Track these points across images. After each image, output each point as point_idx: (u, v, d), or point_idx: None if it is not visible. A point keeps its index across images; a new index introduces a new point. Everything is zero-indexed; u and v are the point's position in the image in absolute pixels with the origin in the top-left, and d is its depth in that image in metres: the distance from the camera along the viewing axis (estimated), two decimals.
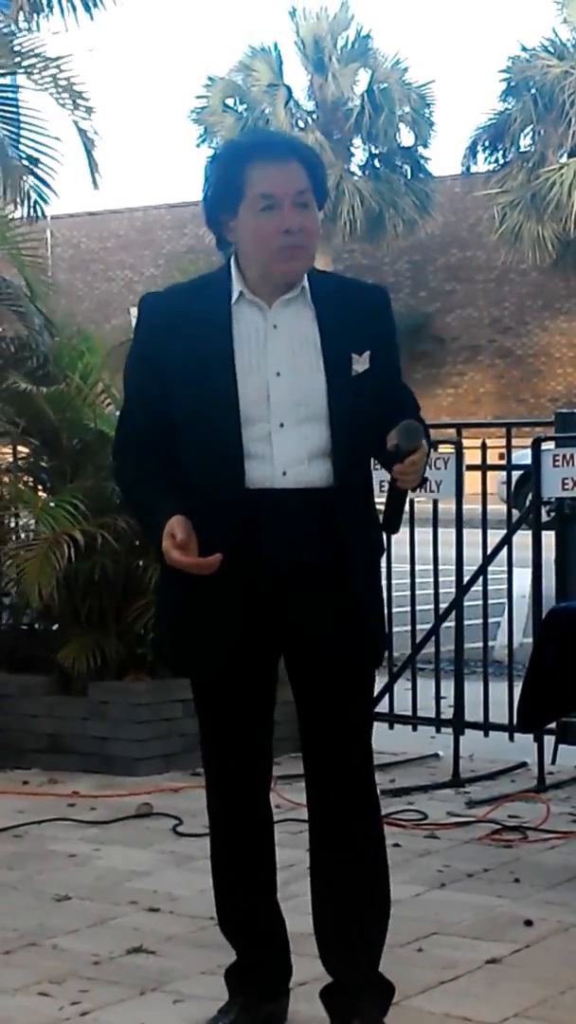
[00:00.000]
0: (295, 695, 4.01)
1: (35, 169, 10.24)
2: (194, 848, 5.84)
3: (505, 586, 7.65)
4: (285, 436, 3.83)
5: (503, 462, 7.66)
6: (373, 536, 3.99)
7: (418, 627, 7.63)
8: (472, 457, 7.38)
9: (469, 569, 7.37)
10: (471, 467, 7.35)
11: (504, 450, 7.58)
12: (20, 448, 8.11)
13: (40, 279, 8.68)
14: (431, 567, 7.53)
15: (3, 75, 10.43)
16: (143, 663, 7.46)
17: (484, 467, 7.50)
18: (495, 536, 7.46)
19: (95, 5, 11.89)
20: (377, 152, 34.23)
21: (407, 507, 4.45)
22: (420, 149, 34.52)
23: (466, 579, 7.37)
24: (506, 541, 7.43)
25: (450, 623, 7.47)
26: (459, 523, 7.27)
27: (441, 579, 7.55)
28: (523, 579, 7.86)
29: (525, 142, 32.44)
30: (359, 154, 34.85)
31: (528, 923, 4.93)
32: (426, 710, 7.70)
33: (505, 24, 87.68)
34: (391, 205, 33.21)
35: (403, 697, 7.60)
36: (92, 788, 6.88)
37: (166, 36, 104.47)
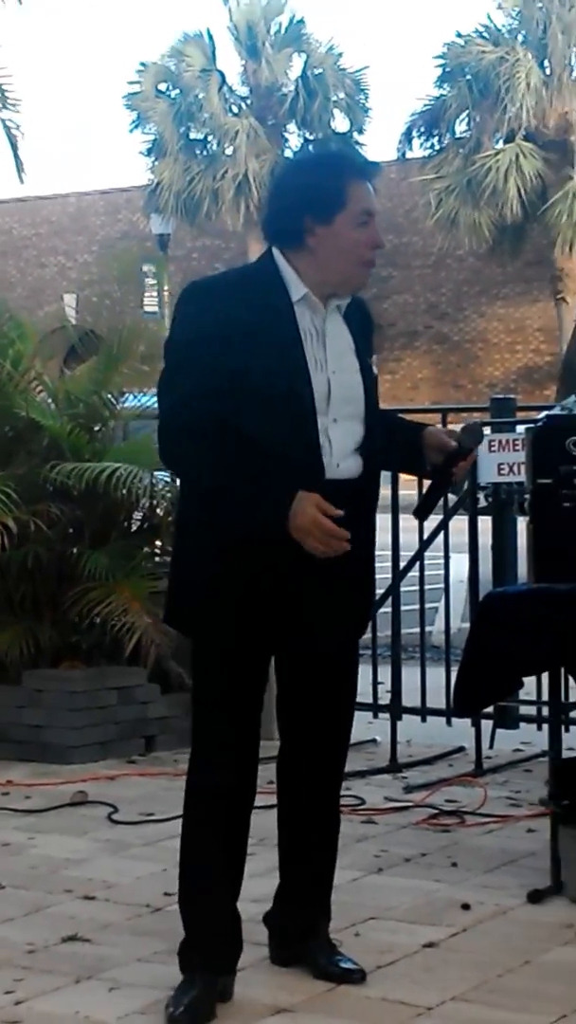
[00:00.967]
0: (290, 678, 4.25)
1: None
2: (130, 835, 5.81)
3: (442, 572, 7.64)
4: (337, 430, 4.09)
5: None
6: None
7: None
8: None
9: (406, 555, 7.36)
10: None
11: None
12: None
13: None
14: None
15: None
16: (78, 651, 7.42)
17: None
18: (432, 522, 7.44)
19: None
20: (312, 138, 34.23)
21: None
22: (355, 135, 34.59)
23: (403, 565, 7.37)
24: (443, 527, 7.43)
25: (387, 609, 7.46)
26: (395, 509, 7.25)
27: (378, 565, 7.50)
28: (460, 564, 7.86)
29: (461, 128, 32.54)
30: (293, 140, 34.90)
31: (465, 907, 4.92)
32: (364, 695, 7.61)
33: (440, 10, 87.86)
34: None
35: None
36: (26, 776, 6.84)
37: (98, 21, 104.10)
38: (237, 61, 35.47)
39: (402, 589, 7.35)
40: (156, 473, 7.39)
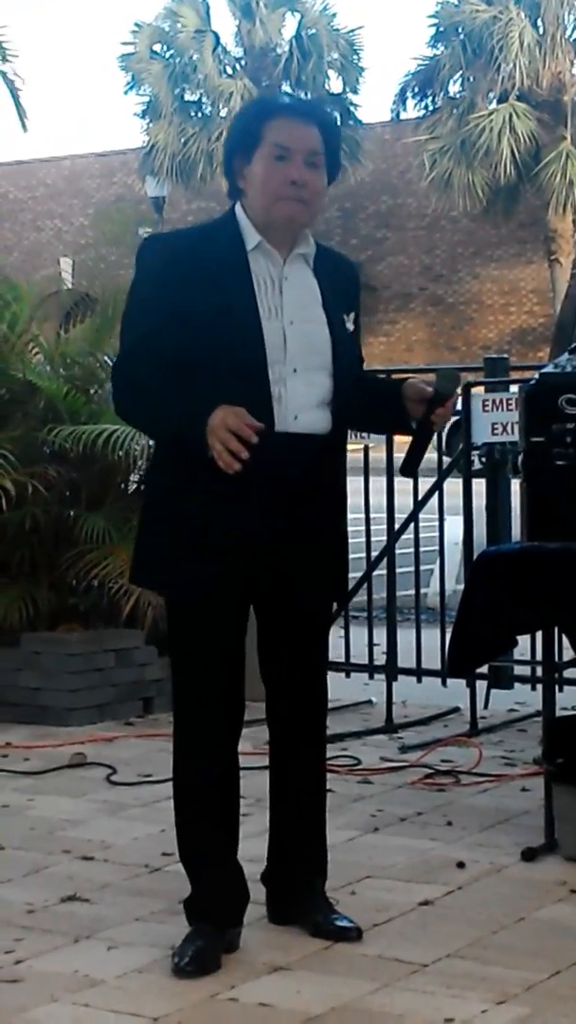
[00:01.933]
0: (264, 633, 4.24)
1: None
2: (128, 797, 5.85)
3: (437, 533, 7.66)
4: (297, 381, 4.04)
5: None
6: (345, 479, 4.34)
7: (350, 575, 7.60)
8: None
9: (400, 517, 7.38)
10: None
11: None
12: None
13: None
14: (362, 515, 7.54)
15: None
16: (75, 613, 7.45)
17: None
18: (426, 483, 7.47)
19: None
20: (306, 99, 34.09)
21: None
22: (349, 95, 34.50)
23: (397, 526, 7.39)
24: (437, 488, 7.45)
25: (382, 571, 7.49)
26: (390, 471, 7.27)
27: (373, 527, 7.56)
28: (455, 526, 7.89)
29: (454, 88, 32.47)
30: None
31: (460, 865, 4.96)
32: (359, 657, 7.73)
33: None
34: None
35: (336, 644, 7.56)
36: (25, 738, 6.87)
37: None
38: (231, 22, 35.45)
39: (397, 551, 7.37)
40: None
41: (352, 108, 34.34)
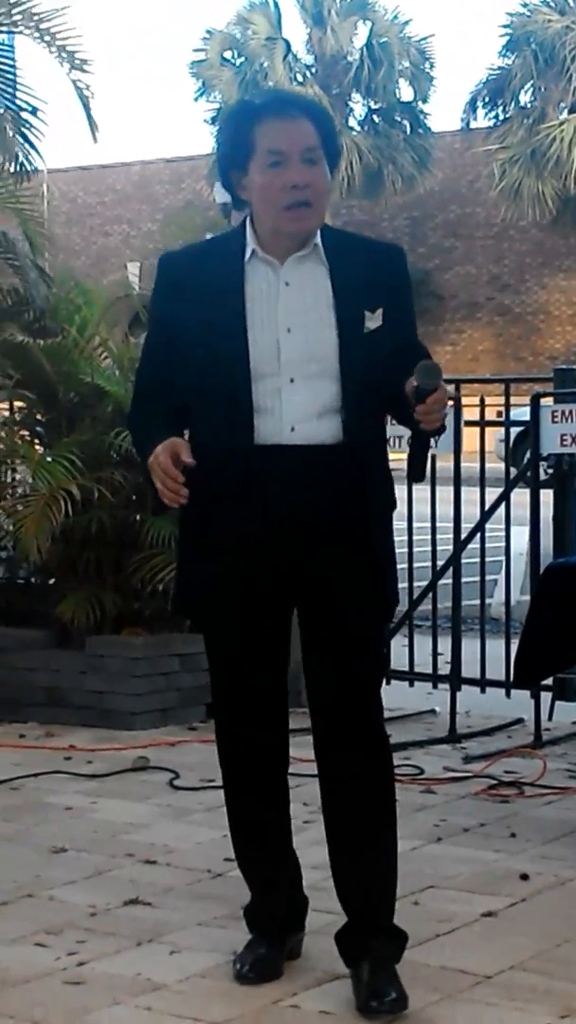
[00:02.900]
0: (305, 649, 4.03)
1: (22, 128, 10.19)
2: (190, 801, 5.86)
3: (503, 543, 7.64)
4: (295, 392, 3.87)
5: (501, 419, 7.64)
6: (385, 491, 4.04)
7: (415, 584, 7.63)
8: (470, 414, 7.36)
9: (467, 526, 7.37)
10: (469, 423, 7.34)
11: (502, 407, 7.57)
12: (16, 402, 8.09)
13: (37, 232, 8.67)
14: (428, 524, 7.53)
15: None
16: (140, 617, 7.47)
17: (482, 423, 7.47)
18: (493, 493, 7.45)
19: None
20: (376, 107, 34.09)
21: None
22: (419, 104, 34.38)
23: (464, 536, 7.37)
24: (504, 498, 7.42)
25: (447, 580, 7.47)
26: (457, 480, 7.26)
27: (439, 536, 7.55)
28: (521, 537, 7.87)
29: (525, 98, 32.32)
30: (358, 109, 34.71)
31: (524, 877, 4.94)
32: (423, 666, 7.71)
33: None
34: (390, 161, 33.07)
35: (400, 653, 7.60)
36: (89, 742, 6.90)
37: None
38: (302, 29, 35.33)
39: (463, 561, 7.35)
40: None
41: (422, 116, 34.25)
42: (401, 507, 7.16)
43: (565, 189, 30.87)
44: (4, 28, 10.18)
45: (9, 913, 4.66)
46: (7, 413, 8.12)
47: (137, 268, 31.25)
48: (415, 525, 7.52)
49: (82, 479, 7.25)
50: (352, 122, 34.24)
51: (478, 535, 7.41)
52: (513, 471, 7.50)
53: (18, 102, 10.18)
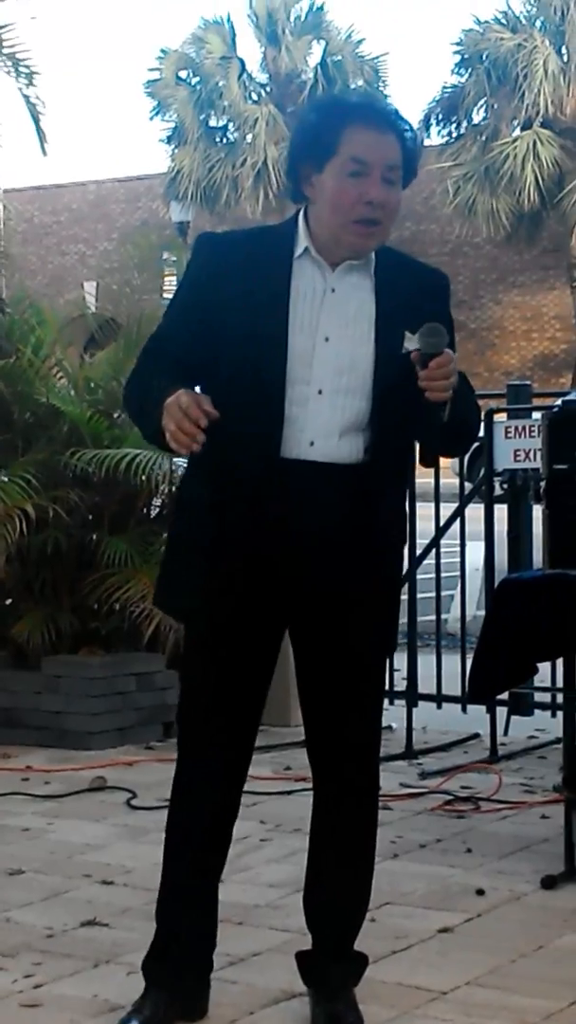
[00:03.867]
0: (300, 673, 3.90)
1: None
2: (148, 821, 5.85)
3: (458, 559, 7.67)
4: (320, 404, 3.70)
5: None
6: (399, 521, 3.91)
7: None
8: None
9: (422, 543, 7.39)
10: None
11: None
12: None
13: None
14: None
15: None
16: (97, 637, 7.47)
17: None
18: (448, 509, 7.48)
19: None
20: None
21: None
22: None
23: (419, 552, 7.40)
24: (459, 514, 7.45)
25: (403, 596, 7.47)
26: (411, 496, 7.27)
27: None
28: (476, 552, 7.88)
29: (478, 115, 32.44)
30: None
31: (480, 892, 4.96)
32: None
33: None
34: None
35: None
36: (46, 762, 6.88)
37: (119, 7, 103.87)
38: (257, 48, 35.47)
39: (418, 576, 7.37)
40: (175, 459, 7.41)
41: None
42: None
43: (519, 206, 31.00)
44: None
45: None
46: None
47: (93, 287, 31.20)
48: None
49: (38, 499, 7.25)
50: None
51: (434, 551, 7.44)
52: (468, 486, 7.53)
53: None
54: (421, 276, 3.90)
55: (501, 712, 7.06)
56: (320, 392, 3.71)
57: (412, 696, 7.30)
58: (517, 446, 6.99)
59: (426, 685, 7.41)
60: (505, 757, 6.87)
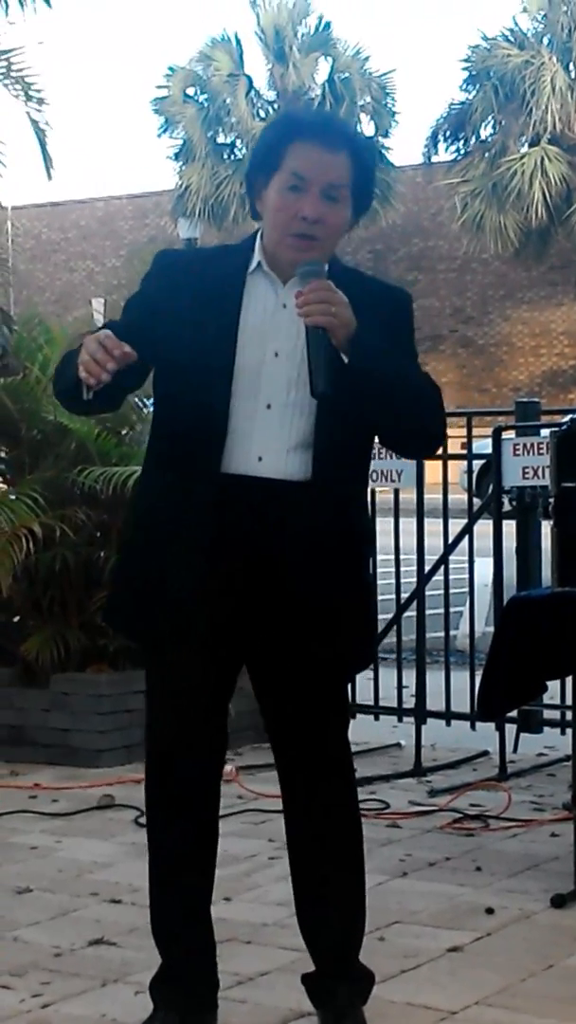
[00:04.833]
0: (257, 690, 3.86)
1: None
2: None
3: (466, 576, 7.66)
4: (269, 419, 3.65)
5: (464, 451, 7.67)
6: (354, 531, 3.80)
7: (380, 617, 7.61)
8: None
9: (430, 559, 7.38)
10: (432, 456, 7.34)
11: (465, 439, 7.60)
12: None
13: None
14: (392, 557, 7.54)
15: None
16: (105, 654, 7.45)
17: (445, 456, 7.48)
18: (456, 525, 7.47)
19: None
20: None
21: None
22: (381, 139, 34.54)
23: (427, 569, 7.39)
24: (467, 530, 7.45)
25: (412, 613, 7.48)
26: (420, 512, 7.27)
27: (403, 569, 7.56)
28: (485, 568, 7.87)
29: (486, 132, 32.50)
30: None
31: (489, 911, 4.94)
32: (388, 700, 7.71)
33: (466, 13, 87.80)
34: None
35: (365, 687, 7.60)
36: (54, 780, 6.87)
37: (127, 26, 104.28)
38: (264, 65, 35.52)
39: (427, 593, 7.36)
40: None
41: (384, 151, 34.38)
42: None
43: (526, 222, 31.03)
44: None
45: None
46: None
47: (101, 304, 31.26)
48: (379, 558, 7.52)
49: (45, 517, 7.24)
50: None
51: (442, 567, 7.43)
52: (477, 502, 7.53)
53: None
54: (378, 294, 3.84)
55: (510, 729, 7.03)
56: (269, 407, 3.66)
57: (421, 713, 7.28)
58: (526, 463, 6.97)
59: (435, 702, 7.39)
60: (514, 775, 6.85)
